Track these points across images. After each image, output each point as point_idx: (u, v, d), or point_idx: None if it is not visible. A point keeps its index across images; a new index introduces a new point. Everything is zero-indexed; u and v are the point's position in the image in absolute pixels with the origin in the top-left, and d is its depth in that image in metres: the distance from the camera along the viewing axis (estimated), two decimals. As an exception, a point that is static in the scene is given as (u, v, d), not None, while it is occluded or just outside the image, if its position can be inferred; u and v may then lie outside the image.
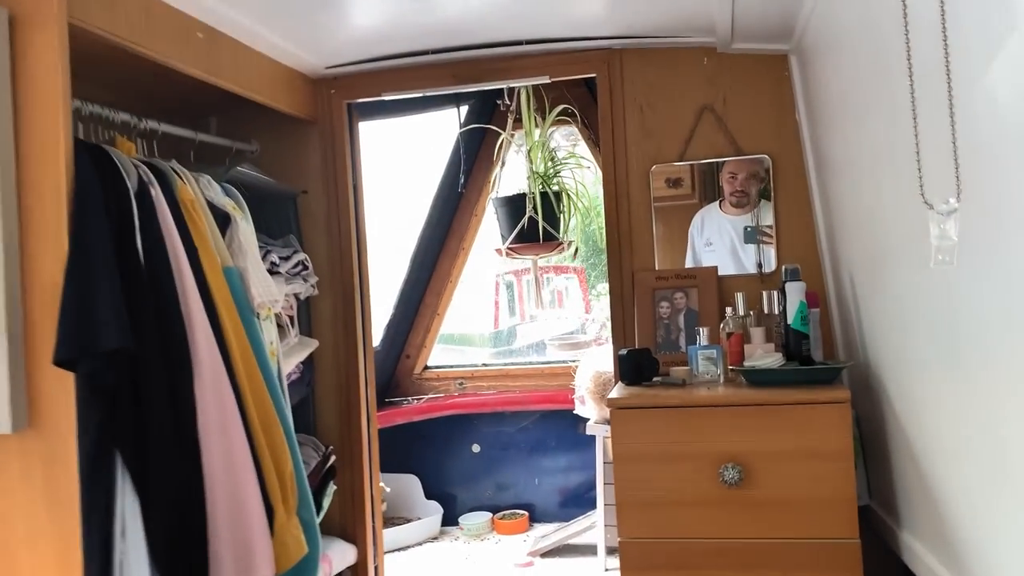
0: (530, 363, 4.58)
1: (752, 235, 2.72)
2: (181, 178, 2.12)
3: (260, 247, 2.67)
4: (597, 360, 3.79)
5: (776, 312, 2.50)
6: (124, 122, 2.28)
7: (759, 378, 2.29)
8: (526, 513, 4.36)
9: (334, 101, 3.01)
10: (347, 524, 3.00)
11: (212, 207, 2.19)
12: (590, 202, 3.55)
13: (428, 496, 4.46)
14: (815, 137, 2.54)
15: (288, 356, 2.78)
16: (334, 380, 3.03)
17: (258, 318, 2.19)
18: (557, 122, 3.81)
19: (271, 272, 2.72)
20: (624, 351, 2.47)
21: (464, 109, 4.14)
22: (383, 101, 3.80)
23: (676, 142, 2.77)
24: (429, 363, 4.57)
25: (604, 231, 2.84)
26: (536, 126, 3.64)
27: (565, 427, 4.41)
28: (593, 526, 3.87)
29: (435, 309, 4.46)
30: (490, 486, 4.47)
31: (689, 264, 2.77)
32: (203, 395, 1.89)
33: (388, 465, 4.00)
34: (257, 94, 2.71)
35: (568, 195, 3.44)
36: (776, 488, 2.13)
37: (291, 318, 2.85)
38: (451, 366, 4.56)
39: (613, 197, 2.79)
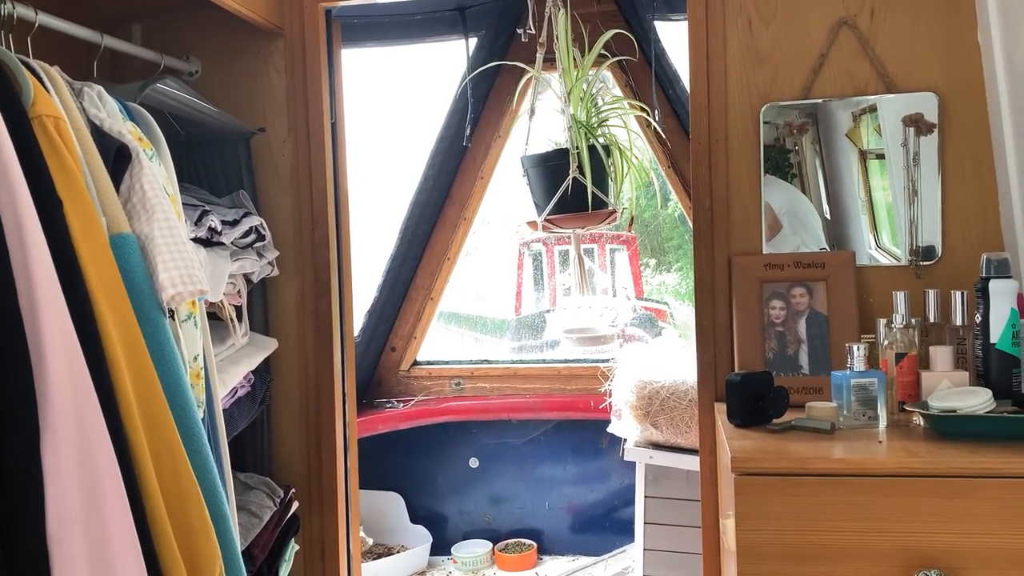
0: (542, 361, 3.76)
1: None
2: (41, 81, 1.25)
3: (192, 206, 1.82)
4: (639, 365, 2.98)
5: (959, 323, 1.69)
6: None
7: (959, 428, 1.48)
8: (534, 544, 3.56)
9: (306, 4, 2.14)
10: (313, 595, 2.17)
11: (99, 134, 1.33)
12: (649, 158, 2.70)
13: (414, 519, 3.67)
14: (1016, 66, 1.73)
15: (233, 365, 1.94)
16: (299, 394, 2.18)
17: (172, 318, 1.34)
18: (595, 62, 2.96)
19: (209, 243, 1.87)
20: (737, 376, 1.64)
21: (474, 42, 3.26)
22: (372, 22, 2.95)
23: (799, 72, 1.93)
24: (419, 358, 3.73)
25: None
26: (575, 64, 2.76)
27: (582, 440, 3.63)
28: (628, 571, 3.09)
29: (428, 292, 3.62)
30: (490, 509, 3.67)
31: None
32: (56, 468, 1.04)
33: (367, 480, 3.24)
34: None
35: (620, 150, 2.59)
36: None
37: (238, 309, 2.00)
38: (446, 362, 3.73)
39: (705, 149, 1.96)
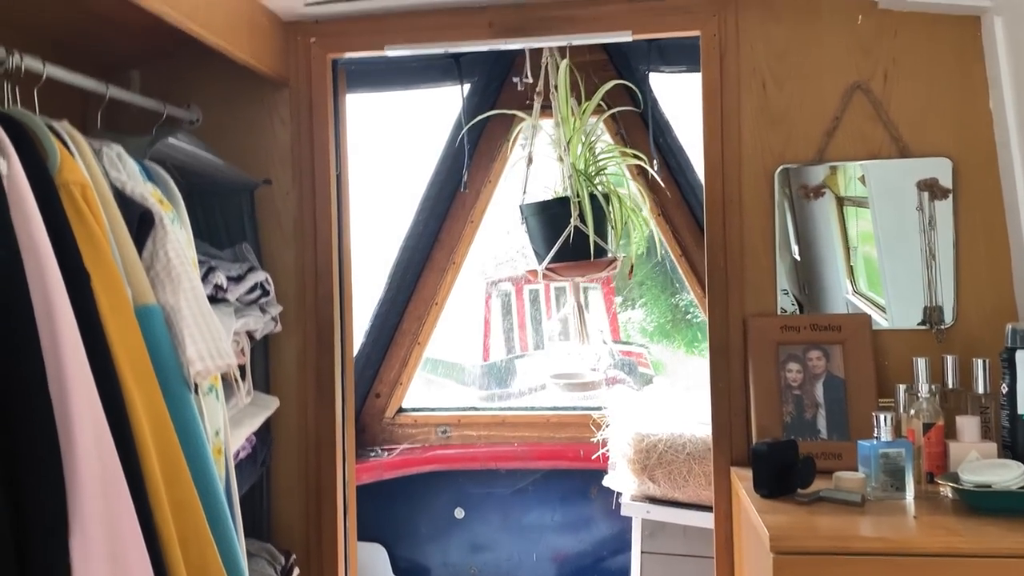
0: (531, 409, 3.70)
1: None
2: (65, 145, 1.19)
3: (200, 262, 1.75)
4: (634, 415, 2.95)
5: (980, 391, 1.69)
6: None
7: (994, 504, 1.47)
8: (520, 598, 3.48)
9: (314, 55, 2.10)
10: (311, 664, 2.08)
11: (122, 198, 1.27)
12: (648, 205, 2.73)
13: (396, 571, 3.56)
14: (1031, 134, 1.75)
15: (235, 427, 1.86)
16: (299, 456, 2.11)
17: (195, 392, 1.27)
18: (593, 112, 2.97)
19: (213, 300, 1.80)
20: (763, 445, 1.62)
21: (467, 88, 3.24)
22: (368, 69, 2.91)
23: (813, 134, 1.93)
24: (405, 404, 3.65)
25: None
26: (572, 113, 2.76)
27: (571, 490, 3.56)
28: (620, 629, 3.03)
29: (415, 337, 3.55)
30: (475, 560, 3.58)
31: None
32: (86, 571, 0.97)
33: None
34: (200, 27, 1.77)
35: (619, 198, 2.58)
36: None
37: (241, 368, 1.93)
38: (433, 409, 3.65)
39: (719, 209, 1.95)
